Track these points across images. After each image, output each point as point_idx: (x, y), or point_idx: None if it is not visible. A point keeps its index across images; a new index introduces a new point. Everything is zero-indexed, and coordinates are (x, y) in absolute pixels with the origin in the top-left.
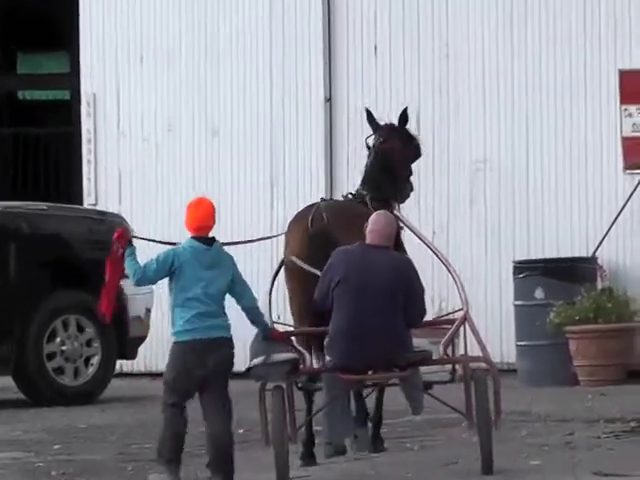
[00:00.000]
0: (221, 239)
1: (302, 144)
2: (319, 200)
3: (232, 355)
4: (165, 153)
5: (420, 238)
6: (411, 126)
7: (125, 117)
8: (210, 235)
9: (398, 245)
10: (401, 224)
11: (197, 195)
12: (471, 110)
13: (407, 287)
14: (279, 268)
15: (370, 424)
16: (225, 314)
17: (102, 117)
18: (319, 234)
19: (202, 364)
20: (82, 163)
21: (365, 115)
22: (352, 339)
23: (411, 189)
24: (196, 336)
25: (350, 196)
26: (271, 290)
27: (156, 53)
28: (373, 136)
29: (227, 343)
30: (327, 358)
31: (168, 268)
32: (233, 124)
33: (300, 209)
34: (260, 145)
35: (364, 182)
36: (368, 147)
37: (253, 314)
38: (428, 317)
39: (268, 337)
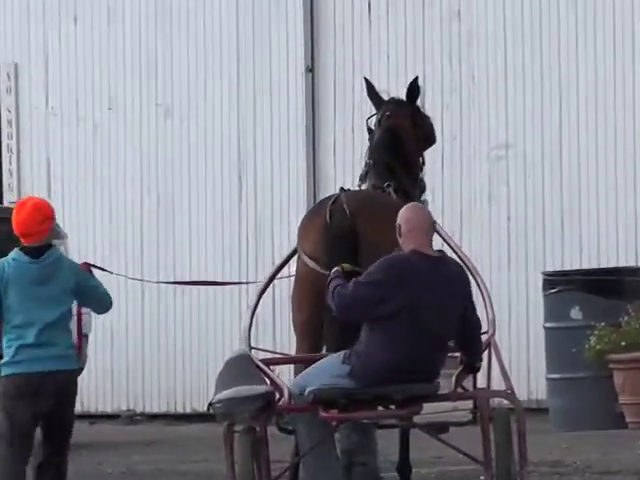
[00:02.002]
0: (175, 246)
1: (277, 125)
2: (338, 191)
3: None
4: (105, 137)
5: (446, 241)
6: (423, 102)
7: (55, 92)
8: (45, 243)
9: None
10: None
11: (145, 190)
12: (490, 83)
13: (465, 307)
14: (274, 273)
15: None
16: (69, 340)
17: (26, 92)
18: (340, 230)
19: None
20: (1, 150)
21: (365, 87)
22: (392, 377)
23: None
24: (23, 370)
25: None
26: (257, 304)
27: (93, 12)
28: (375, 115)
29: (66, 377)
30: (305, 389)
31: None
32: (190, 101)
33: (317, 202)
34: (225, 127)
35: (375, 165)
36: (370, 130)
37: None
38: None
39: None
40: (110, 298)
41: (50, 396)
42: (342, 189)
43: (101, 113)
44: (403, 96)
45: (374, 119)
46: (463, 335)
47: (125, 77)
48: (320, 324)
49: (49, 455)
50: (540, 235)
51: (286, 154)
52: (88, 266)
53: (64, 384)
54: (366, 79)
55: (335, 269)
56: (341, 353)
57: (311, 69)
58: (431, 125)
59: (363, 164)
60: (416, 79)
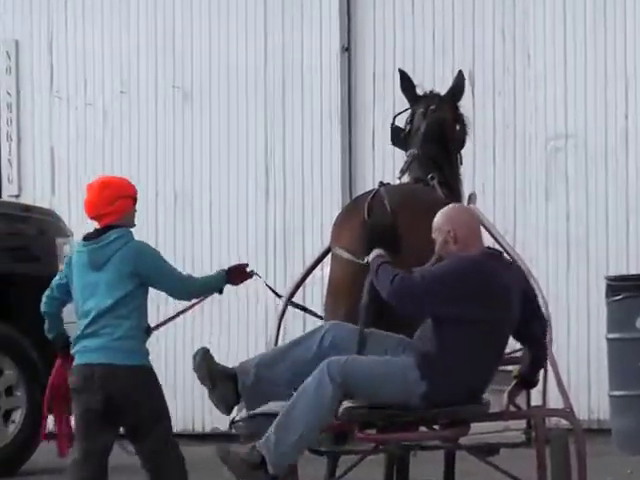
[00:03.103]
0: (195, 248)
1: (309, 112)
2: (377, 186)
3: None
4: (117, 123)
5: (497, 240)
6: (472, 85)
7: (61, 73)
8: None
9: None
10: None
11: (161, 183)
12: (547, 64)
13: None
14: (303, 279)
15: None
16: (121, 330)
17: (28, 73)
18: (379, 228)
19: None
20: None
21: (399, 78)
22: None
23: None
24: (76, 363)
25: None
26: (284, 311)
27: None
28: (411, 110)
29: (108, 372)
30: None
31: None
32: (212, 84)
33: (355, 196)
34: (250, 114)
35: (419, 157)
36: (397, 129)
37: (194, 294)
38: None
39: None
40: (188, 282)
41: (96, 392)
42: (381, 183)
43: (112, 97)
44: (442, 88)
45: (404, 117)
46: (526, 339)
47: (139, 57)
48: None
49: (144, 462)
50: (603, 236)
51: (319, 145)
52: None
53: (108, 380)
54: (401, 71)
55: (377, 252)
56: (405, 347)
57: (347, 48)
58: (465, 127)
59: (406, 156)
60: (460, 73)
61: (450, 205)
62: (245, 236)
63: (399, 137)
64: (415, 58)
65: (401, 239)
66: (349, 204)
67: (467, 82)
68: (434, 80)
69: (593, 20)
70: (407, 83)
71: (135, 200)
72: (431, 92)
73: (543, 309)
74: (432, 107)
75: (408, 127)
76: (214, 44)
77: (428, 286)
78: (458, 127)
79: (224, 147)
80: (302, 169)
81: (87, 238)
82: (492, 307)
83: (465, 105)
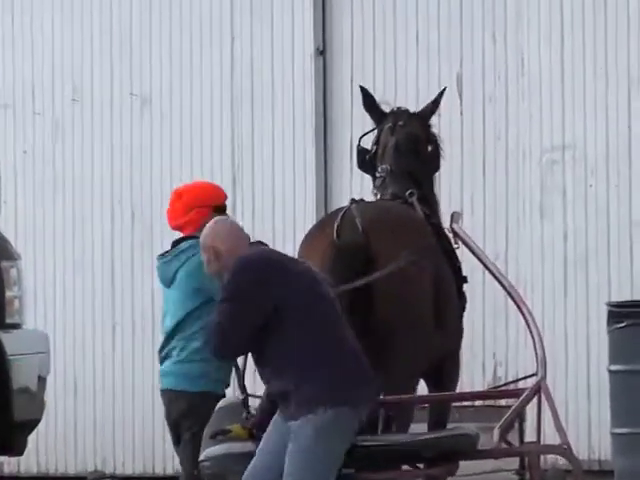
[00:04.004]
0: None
1: (280, 120)
2: (349, 203)
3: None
4: (69, 134)
5: (483, 262)
6: (460, 93)
7: (7, 80)
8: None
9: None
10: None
11: (117, 200)
12: (542, 70)
13: None
14: None
15: None
16: (185, 353)
17: None
18: (350, 249)
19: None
20: None
21: (361, 96)
22: None
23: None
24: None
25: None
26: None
27: None
28: (377, 129)
29: (169, 397)
30: None
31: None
32: (174, 91)
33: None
34: (215, 123)
35: (393, 172)
36: (363, 150)
37: None
38: (477, 386)
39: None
40: None
41: (169, 418)
42: (353, 200)
43: (63, 106)
44: (427, 95)
45: (370, 137)
46: None
47: (93, 62)
48: None
49: None
50: (604, 257)
51: (291, 157)
52: None
53: (170, 407)
54: (362, 87)
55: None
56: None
57: (322, 51)
58: (438, 148)
59: (377, 172)
60: (444, 91)
61: (211, 221)
62: None
63: (365, 160)
64: (397, 62)
65: (374, 263)
66: (317, 223)
67: (455, 89)
68: (417, 87)
69: (593, 21)
70: (369, 100)
71: (215, 208)
72: (398, 108)
73: (537, 343)
74: (400, 123)
75: (374, 147)
76: (175, 47)
77: (228, 316)
78: (430, 148)
79: (187, 160)
80: (273, 184)
81: (163, 253)
82: (294, 288)
83: (452, 114)
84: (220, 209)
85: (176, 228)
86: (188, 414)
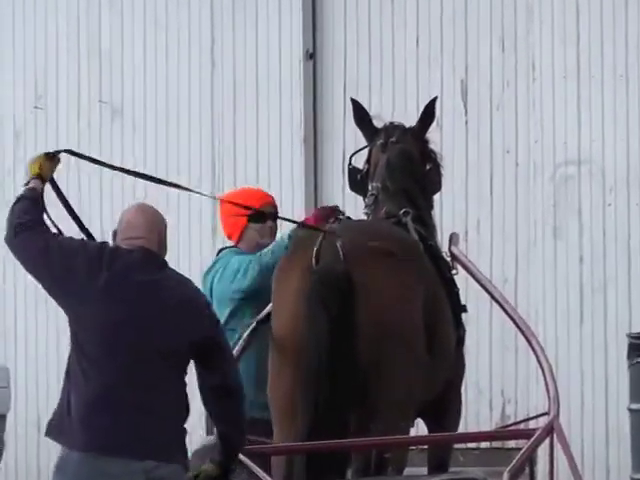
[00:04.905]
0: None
1: (266, 130)
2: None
3: None
4: (31, 144)
5: (485, 287)
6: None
7: None
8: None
9: (439, 308)
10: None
11: (88, 215)
12: (556, 77)
13: None
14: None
15: None
16: None
17: None
18: (329, 277)
19: None
20: None
21: (352, 109)
22: None
23: None
24: None
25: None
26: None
27: None
28: (369, 147)
29: None
30: None
31: None
32: (148, 99)
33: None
34: (195, 133)
35: (386, 190)
36: (354, 170)
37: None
38: (484, 426)
39: None
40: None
41: None
42: (337, 218)
43: (25, 114)
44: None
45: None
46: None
47: (58, 66)
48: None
49: None
50: (624, 283)
51: (277, 170)
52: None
53: None
54: (354, 100)
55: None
56: None
57: (312, 54)
58: (438, 167)
59: (369, 191)
60: (432, 103)
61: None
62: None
63: (356, 179)
64: (395, 67)
65: (356, 292)
66: (295, 244)
67: (460, 97)
68: (418, 96)
69: (612, 21)
70: (362, 114)
71: (252, 217)
72: (391, 123)
73: (548, 379)
74: (393, 139)
75: (366, 166)
76: (150, 51)
77: None
78: (429, 166)
79: (163, 173)
80: None
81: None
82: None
83: (456, 125)
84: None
85: (227, 238)
86: None
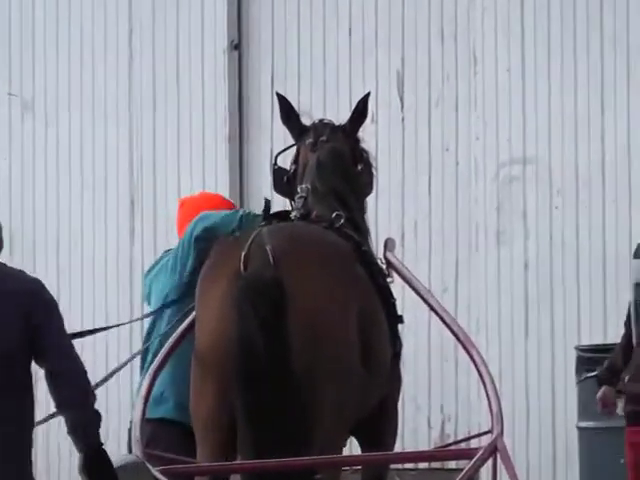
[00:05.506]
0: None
1: (187, 127)
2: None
3: None
4: None
5: (421, 295)
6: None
7: None
8: None
9: (374, 318)
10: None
11: None
12: (499, 70)
13: None
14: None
15: None
16: None
17: None
18: (258, 284)
19: None
20: None
21: (278, 106)
22: None
23: None
24: None
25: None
26: (149, 390)
27: None
28: (296, 145)
29: None
30: None
31: None
32: (61, 92)
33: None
34: (111, 129)
35: (316, 191)
36: (279, 170)
37: None
38: (422, 445)
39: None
40: None
41: None
42: (266, 223)
43: None
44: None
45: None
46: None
47: None
48: (229, 417)
49: None
50: (572, 291)
51: (200, 169)
52: None
53: None
54: (280, 95)
55: None
56: None
57: (237, 45)
58: (370, 168)
59: (297, 193)
60: (366, 97)
61: None
62: (103, 284)
63: (282, 181)
64: (326, 59)
65: (287, 299)
66: (219, 249)
67: (395, 91)
68: (350, 88)
69: (559, 10)
70: (288, 111)
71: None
72: (321, 121)
73: (491, 395)
74: (323, 138)
75: (293, 167)
76: (62, 41)
77: None
78: (360, 167)
79: (76, 172)
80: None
81: None
82: None
83: (392, 120)
84: None
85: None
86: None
